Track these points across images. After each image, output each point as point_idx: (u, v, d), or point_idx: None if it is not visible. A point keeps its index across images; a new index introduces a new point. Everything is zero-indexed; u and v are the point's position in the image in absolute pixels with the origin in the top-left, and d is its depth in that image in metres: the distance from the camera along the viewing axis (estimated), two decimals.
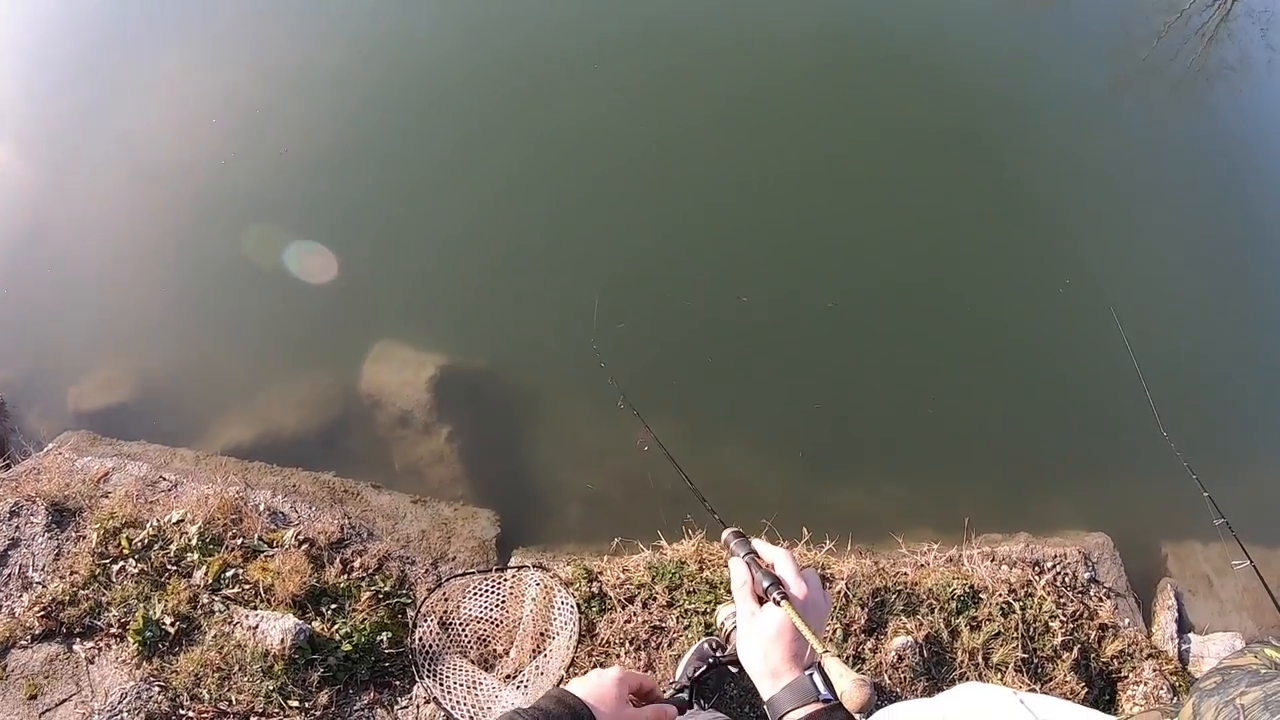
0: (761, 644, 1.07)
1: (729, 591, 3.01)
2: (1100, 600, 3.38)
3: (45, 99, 4.83)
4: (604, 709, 1.09)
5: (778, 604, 1.08)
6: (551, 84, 4.70)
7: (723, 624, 2.74)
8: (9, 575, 3.07)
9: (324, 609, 2.95)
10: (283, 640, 2.79)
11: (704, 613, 2.93)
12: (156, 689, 2.76)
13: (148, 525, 3.08)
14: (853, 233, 4.32)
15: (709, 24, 5.00)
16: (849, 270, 4.19)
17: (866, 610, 3.01)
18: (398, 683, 2.88)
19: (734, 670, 2.78)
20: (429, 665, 2.82)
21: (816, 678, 1.01)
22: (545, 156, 4.48)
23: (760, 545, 1.20)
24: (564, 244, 4.27)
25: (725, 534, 1.25)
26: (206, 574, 2.97)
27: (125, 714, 2.73)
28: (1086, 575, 3.43)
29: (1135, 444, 3.80)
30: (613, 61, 4.72)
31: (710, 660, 2.69)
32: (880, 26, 5.10)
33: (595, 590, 2.98)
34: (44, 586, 2.99)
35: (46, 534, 3.13)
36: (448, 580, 2.99)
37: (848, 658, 2.91)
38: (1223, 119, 5.36)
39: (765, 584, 1.11)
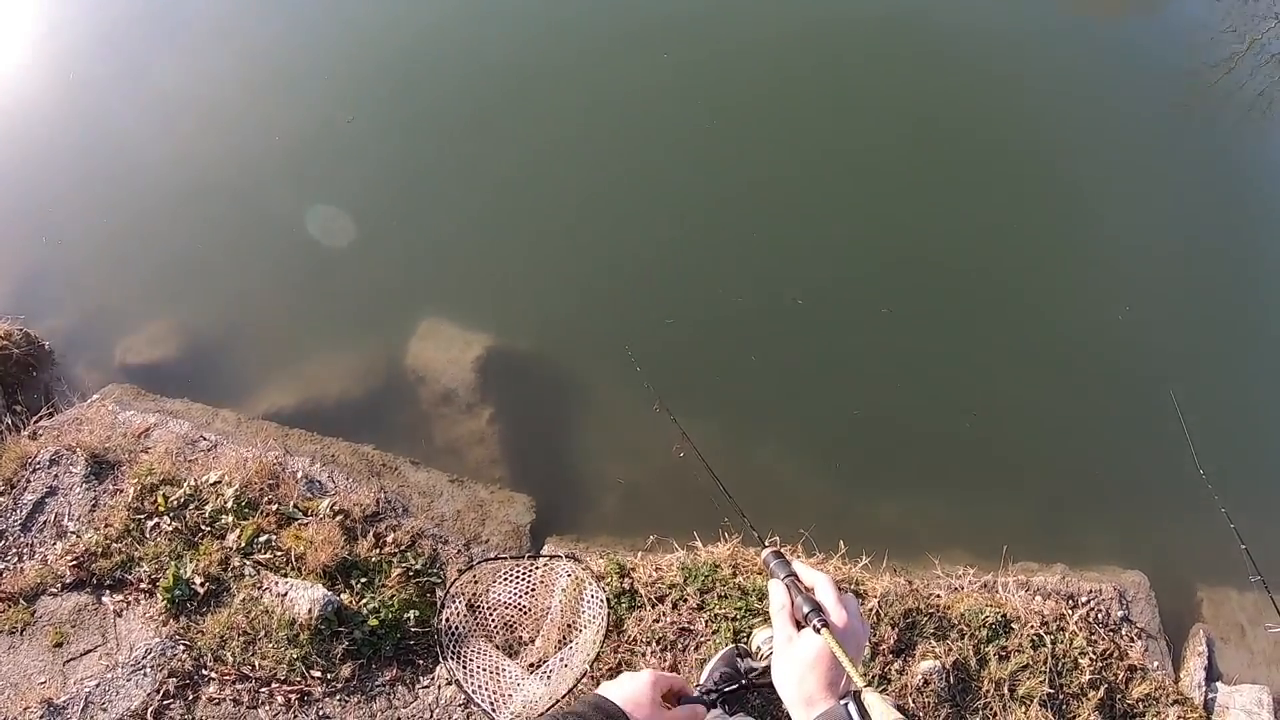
0: (797, 670, 1.06)
1: (761, 600, 2.99)
2: (1131, 640, 3.32)
3: (113, 56, 4.88)
4: (639, 714, 1.12)
5: (817, 631, 1.06)
6: (620, 81, 4.71)
7: (759, 648, 2.71)
8: (44, 522, 3.09)
9: (354, 582, 2.95)
10: (310, 610, 2.78)
11: (734, 618, 2.90)
12: (181, 647, 2.76)
13: (185, 484, 3.09)
14: (913, 245, 4.28)
15: (777, 10, 4.99)
16: (905, 279, 4.14)
17: (897, 630, 2.96)
18: (421, 662, 2.87)
19: (760, 687, 2.75)
20: (454, 647, 2.80)
21: (851, 707, 0.99)
22: (604, 150, 4.47)
23: (800, 567, 1.17)
24: (617, 236, 4.26)
25: (765, 554, 1.23)
26: (240, 537, 2.97)
27: (149, 669, 2.73)
28: (1120, 613, 3.37)
29: (1178, 483, 3.71)
30: (683, 51, 4.72)
31: (741, 680, 2.66)
32: (946, 38, 5.04)
33: (626, 586, 2.95)
34: (78, 536, 3.01)
35: (84, 484, 3.15)
36: (480, 563, 2.98)
37: (874, 678, 2.87)
38: None
39: (805, 609, 1.08)
